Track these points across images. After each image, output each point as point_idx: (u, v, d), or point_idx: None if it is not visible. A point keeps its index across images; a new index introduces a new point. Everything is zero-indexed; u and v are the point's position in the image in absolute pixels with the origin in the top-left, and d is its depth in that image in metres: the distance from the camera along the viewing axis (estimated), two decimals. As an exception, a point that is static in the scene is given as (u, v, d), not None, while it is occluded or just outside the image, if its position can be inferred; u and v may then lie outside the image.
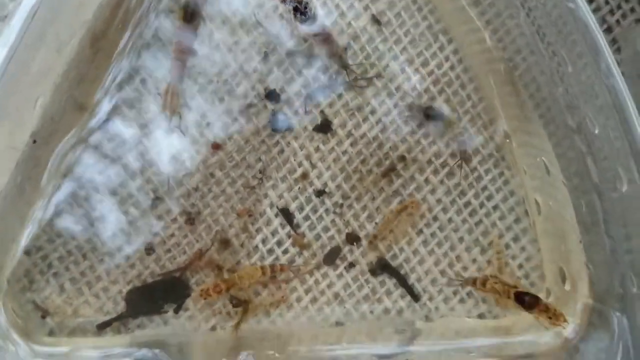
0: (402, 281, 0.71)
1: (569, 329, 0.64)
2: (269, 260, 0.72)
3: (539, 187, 0.69)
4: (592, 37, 0.51)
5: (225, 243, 0.71)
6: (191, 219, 0.71)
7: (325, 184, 0.72)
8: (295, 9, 0.66)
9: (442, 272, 0.72)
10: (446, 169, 0.73)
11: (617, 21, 0.73)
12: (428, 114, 0.71)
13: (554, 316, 0.65)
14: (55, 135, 0.61)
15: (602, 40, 0.52)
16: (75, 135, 0.65)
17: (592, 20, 0.52)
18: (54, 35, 0.56)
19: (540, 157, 0.66)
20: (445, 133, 0.72)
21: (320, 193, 0.72)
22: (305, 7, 0.66)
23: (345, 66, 0.70)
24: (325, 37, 0.67)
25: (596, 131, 0.54)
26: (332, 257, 0.72)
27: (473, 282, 0.71)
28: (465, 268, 0.72)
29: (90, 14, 0.55)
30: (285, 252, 0.72)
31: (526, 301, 0.67)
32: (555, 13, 0.54)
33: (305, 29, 0.67)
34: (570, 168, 0.61)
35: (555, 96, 0.58)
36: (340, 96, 0.72)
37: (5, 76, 0.50)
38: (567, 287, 0.66)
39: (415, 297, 0.72)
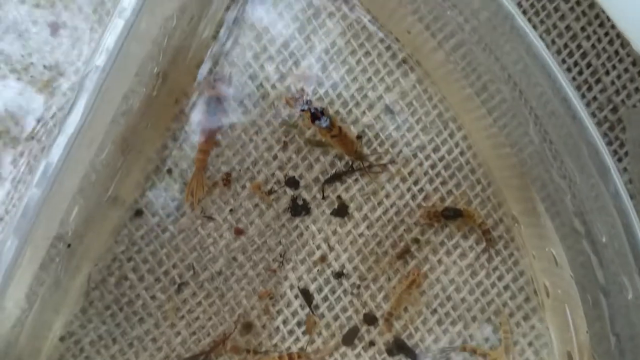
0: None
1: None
2: (289, 341, 0.74)
3: (547, 272, 0.72)
4: (601, 160, 0.54)
5: (247, 325, 0.74)
6: (215, 302, 0.74)
7: (343, 266, 0.75)
8: (313, 116, 0.70)
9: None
10: (459, 250, 0.76)
11: (622, 101, 0.77)
12: (446, 215, 0.74)
13: None
14: (90, 234, 0.64)
15: (611, 163, 0.55)
16: (108, 231, 0.69)
17: (601, 143, 0.55)
18: (89, 140, 0.59)
19: (549, 248, 0.69)
20: (465, 224, 0.75)
21: (338, 274, 0.75)
22: (322, 113, 0.70)
23: (360, 157, 0.73)
24: (341, 138, 0.71)
25: (603, 239, 0.57)
26: (350, 337, 0.75)
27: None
28: (478, 346, 0.75)
29: (122, 123, 0.58)
30: (306, 332, 0.75)
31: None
32: (564, 131, 0.58)
33: (321, 128, 0.71)
34: (577, 265, 0.64)
35: (563, 199, 0.61)
36: (356, 181, 0.76)
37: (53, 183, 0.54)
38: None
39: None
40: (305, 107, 0.70)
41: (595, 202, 0.56)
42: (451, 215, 0.74)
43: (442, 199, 0.75)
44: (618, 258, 0.56)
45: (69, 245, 0.60)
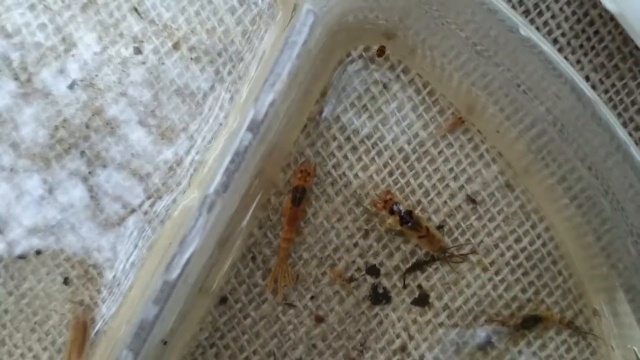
0: None
1: None
2: None
3: None
4: None
5: (327, 415, 0.74)
6: (294, 390, 0.74)
7: (423, 356, 0.75)
8: (402, 219, 0.71)
9: None
10: (539, 341, 0.76)
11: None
12: (526, 327, 0.74)
13: None
14: (182, 327, 0.65)
15: None
16: (196, 321, 0.69)
17: None
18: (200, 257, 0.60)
19: (631, 345, 0.68)
20: (546, 328, 0.75)
21: (417, 364, 0.75)
22: (410, 215, 0.71)
23: (443, 251, 0.74)
24: (428, 238, 0.72)
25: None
26: None
27: None
28: None
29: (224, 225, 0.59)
30: None
31: None
32: None
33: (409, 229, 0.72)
34: None
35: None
36: (436, 270, 0.76)
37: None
38: None
39: None
40: (395, 210, 0.71)
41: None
42: (531, 324, 0.74)
43: (523, 295, 0.75)
44: None
45: (165, 343, 0.61)
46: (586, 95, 0.68)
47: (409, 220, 0.71)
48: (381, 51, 0.75)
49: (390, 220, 0.72)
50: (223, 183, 0.53)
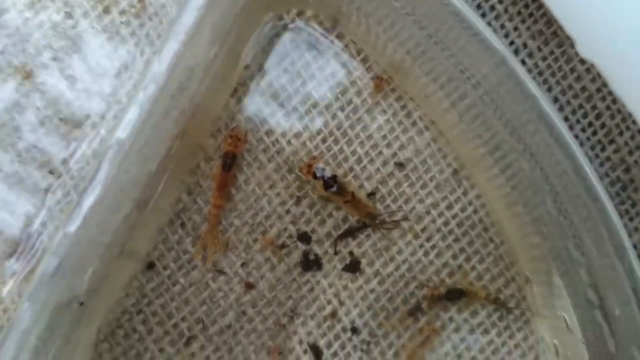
0: None
1: None
2: (298, 397, 0.74)
3: (557, 333, 0.72)
4: (619, 241, 0.55)
5: (256, 381, 0.74)
6: (223, 356, 0.73)
7: (353, 322, 0.75)
8: (326, 184, 0.71)
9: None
10: (471, 308, 0.76)
11: (636, 161, 0.76)
12: (450, 298, 0.74)
13: None
14: (103, 290, 0.64)
15: (628, 243, 0.55)
16: (121, 285, 0.69)
17: (619, 224, 0.55)
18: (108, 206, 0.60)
19: (561, 312, 0.69)
20: (470, 303, 0.75)
21: (348, 330, 0.75)
22: (334, 180, 0.71)
23: (372, 218, 0.73)
24: (354, 203, 0.72)
25: (616, 312, 0.57)
26: (358, 394, 0.75)
27: None
28: (488, 406, 0.75)
29: (141, 183, 0.59)
30: (315, 390, 0.74)
31: None
32: (585, 212, 0.58)
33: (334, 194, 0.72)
34: (588, 332, 0.64)
35: (578, 271, 0.61)
36: (368, 237, 0.76)
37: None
38: None
39: None
40: (318, 175, 0.71)
41: (610, 278, 0.56)
42: (455, 297, 0.74)
43: (453, 265, 0.75)
44: (630, 331, 0.56)
45: (81, 304, 0.60)
46: (516, 73, 0.67)
47: (332, 184, 0.71)
48: (315, 17, 0.74)
49: (317, 186, 0.72)
50: (127, 135, 0.51)
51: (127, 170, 0.53)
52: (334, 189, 0.71)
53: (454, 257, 0.76)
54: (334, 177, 0.71)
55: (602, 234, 0.56)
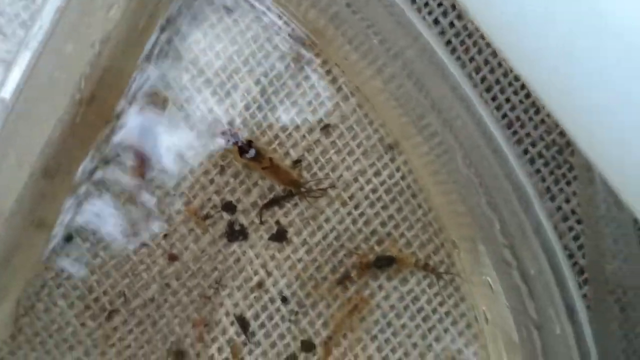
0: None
1: None
2: (224, 369, 0.73)
3: (485, 299, 0.71)
4: (523, 194, 0.54)
5: (180, 353, 0.72)
6: (147, 330, 0.72)
7: (281, 292, 0.74)
8: (241, 149, 0.69)
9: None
10: (400, 275, 0.75)
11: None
12: (379, 266, 0.73)
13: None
14: (16, 260, 0.62)
15: (534, 197, 0.54)
16: (36, 257, 0.67)
17: (523, 176, 0.54)
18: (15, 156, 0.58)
19: (485, 276, 0.68)
20: (400, 270, 0.74)
21: (276, 301, 0.74)
22: (250, 145, 0.69)
23: (296, 186, 0.72)
24: (272, 169, 0.70)
25: (532, 272, 0.56)
26: (287, 366, 0.74)
27: None
28: (419, 374, 0.74)
29: (44, 150, 0.56)
30: (240, 362, 0.73)
31: None
32: (488, 167, 0.57)
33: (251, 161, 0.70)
34: (511, 295, 0.63)
35: (493, 231, 0.61)
36: (295, 205, 0.74)
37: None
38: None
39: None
40: (232, 141, 0.69)
41: (521, 236, 0.55)
42: (384, 264, 0.73)
43: (382, 229, 0.74)
44: (546, 291, 0.55)
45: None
46: (429, 46, 0.66)
47: (247, 150, 0.69)
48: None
49: (234, 152, 0.70)
50: (10, 95, 0.49)
51: (16, 131, 0.51)
52: (250, 154, 0.69)
53: (383, 224, 0.75)
54: (250, 143, 0.69)
55: (507, 189, 0.55)
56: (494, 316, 0.70)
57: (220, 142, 0.72)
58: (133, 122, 0.71)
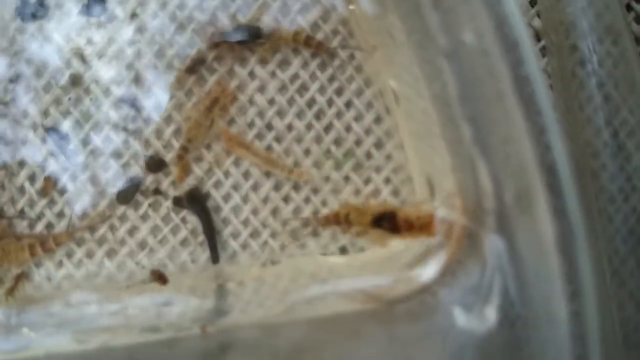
0: (207, 226, 0.52)
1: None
2: (40, 206, 0.52)
3: (390, 66, 0.50)
4: None
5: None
6: None
7: (108, 90, 0.52)
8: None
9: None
10: (278, 56, 0.53)
11: None
12: (244, 42, 0.50)
13: (419, 230, 0.48)
14: None
15: None
16: None
17: None
18: None
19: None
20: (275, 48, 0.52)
21: (102, 102, 0.52)
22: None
23: None
24: None
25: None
26: (128, 193, 0.53)
27: (334, 220, 0.53)
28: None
29: None
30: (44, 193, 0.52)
31: (385, 224, 0.49)
32: None
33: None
34: (412, 23, 0.42)
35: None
36: (114, -37, 0.51)
37: None
38: (437, 203, 0.48)
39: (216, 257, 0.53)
40: None
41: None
42: (249, 38, 0.50)
43: None
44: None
45: None
46: None
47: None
48: None
49: None
50: None
51: None
52: None
53: None
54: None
55: None
56: (402, 89, 0.49)
57: None
58: None
